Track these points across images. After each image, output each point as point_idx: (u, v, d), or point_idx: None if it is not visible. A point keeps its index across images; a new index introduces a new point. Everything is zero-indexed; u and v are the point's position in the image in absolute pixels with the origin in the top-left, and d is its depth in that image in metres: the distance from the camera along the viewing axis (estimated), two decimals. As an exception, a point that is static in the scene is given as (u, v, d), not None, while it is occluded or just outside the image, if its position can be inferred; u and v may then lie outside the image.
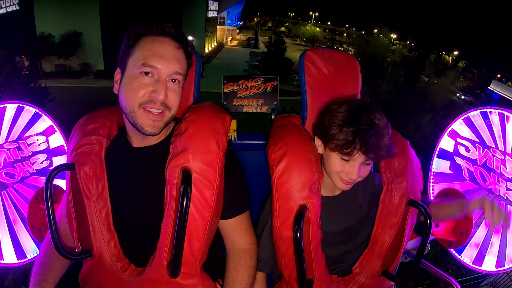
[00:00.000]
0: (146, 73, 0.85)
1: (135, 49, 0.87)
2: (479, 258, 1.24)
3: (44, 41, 16.78)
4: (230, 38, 40.32)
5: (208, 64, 23.54)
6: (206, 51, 27.86)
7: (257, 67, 20.67)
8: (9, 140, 1.28)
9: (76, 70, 18.51)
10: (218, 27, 34.12)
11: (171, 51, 0.88)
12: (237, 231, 0.98)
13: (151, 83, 0.85)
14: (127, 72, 0.88)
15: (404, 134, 1.08)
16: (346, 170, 0.92)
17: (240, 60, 26.49)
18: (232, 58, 27.55)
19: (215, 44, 33.52)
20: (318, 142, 0.99)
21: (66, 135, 1.30)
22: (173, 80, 0.88)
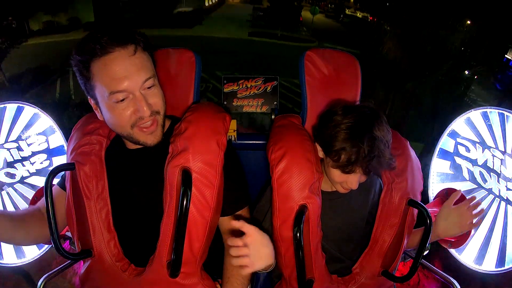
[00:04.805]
0: (121, 100, 0.81)
1: (94, 81, 0.81)
2: (479, 258, 1.23)
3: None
4: (232, -5, 39.90)
5: (209, 15, 23.26)
6: (206, 4, 27.68)
7: (260, 17, 19.69)
8: (9, 140, 1.28)
9: (64, 25, 17.14)
10: (220, -18, 33.32)
11: (128, 62, 0.79)
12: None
13: (130, 103, 0.82)
14: (101, 103, 0.84)
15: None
16: (346, 180, 0.93)
17: (243, 13, 25.40)
18: (234, 12, 26.81)
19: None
20: (318, 147, 0.98)
21: (66, 135, 1.30)
22: (148, 87, 0.84)
